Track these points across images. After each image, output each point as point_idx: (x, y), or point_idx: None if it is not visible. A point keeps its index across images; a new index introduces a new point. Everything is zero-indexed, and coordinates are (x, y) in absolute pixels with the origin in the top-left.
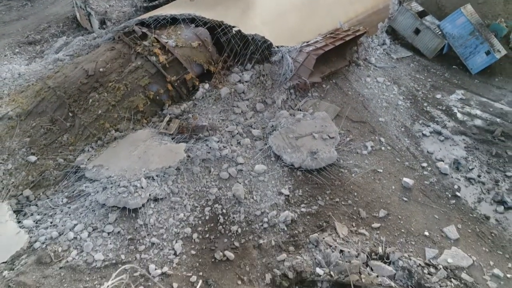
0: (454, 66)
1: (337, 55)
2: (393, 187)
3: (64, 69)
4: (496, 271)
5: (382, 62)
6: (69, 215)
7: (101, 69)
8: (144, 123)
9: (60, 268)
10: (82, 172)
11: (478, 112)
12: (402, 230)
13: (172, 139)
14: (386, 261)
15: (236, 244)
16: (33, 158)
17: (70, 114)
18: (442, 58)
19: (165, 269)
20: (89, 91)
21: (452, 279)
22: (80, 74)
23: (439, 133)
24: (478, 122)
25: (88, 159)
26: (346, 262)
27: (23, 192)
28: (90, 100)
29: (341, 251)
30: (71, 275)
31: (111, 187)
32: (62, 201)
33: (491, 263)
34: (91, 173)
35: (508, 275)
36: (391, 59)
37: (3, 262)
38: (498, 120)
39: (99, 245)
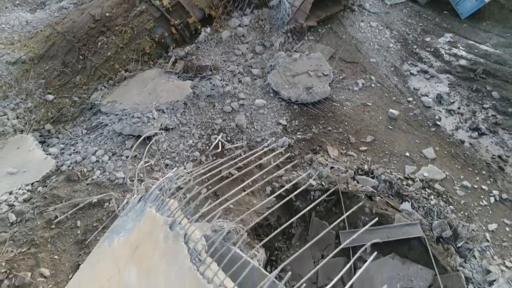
0: (445, 12)
1: (332, 0)
2: (380, 118)
3: (71, 15)
4: (465, 182)
5: (376, 8)
6: (90, 143)
7: (107, 14)
8: (151, 64)
9: (87, 184)
10: (97, 108)
11: (464, 53)
12: (386, 152)
13: (178, 77)
14: (371, 175)
15: (240, 164)
16: (50, 97)
17: (81, 57)
18: (434, 4)
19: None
20: (97, 35)
21: (427, 189)
22: (87, 19)
23: (426, 72)
24: (462, 62)
25: (102, 96)
26: (336, 175)
27: (45, 127)
28: (99, 43)
29: (332, 167)
30: (97, 189)
31: (126, 118)
32: (81, 133)
33: (462, 177)
34: (106, 108)
35: (475, 186)
36: (384, 5)
37: (36, 181)
38: (481, 60)
39: (119, 166)
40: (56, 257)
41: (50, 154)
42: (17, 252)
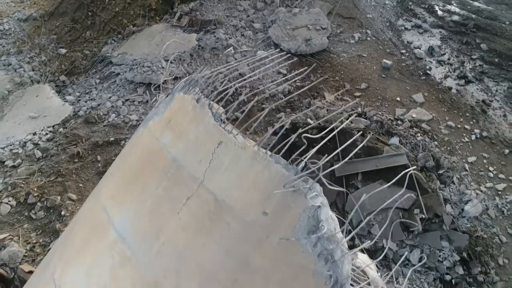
0: None
1: None
2: (374, 67)
3: None
4: (450, 123)
5: None
6: (103, 91)
7: None
8: (157, 20)
9: (104, 125)
10: (108, 60)
11: (457, 10)
12: (379, 97)
13: (184, 31)
14: (364, 117)
15: (243, 108)
16: (63, 51)
17: (90, 13)
18: None
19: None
20: None
21: (414, 128)
22: None
23: (419, 27)
24: (455, 17)
25: (112, 49)
26: (332, 115)
27: (60, 78)
28: (107, 0)
29: (328, 109)
30: (113, 130)
31: (137, 67)
32: (95, 82)
33: (447, 118)
34: (117, 59)
35: (459, 126)
36: None
37: (56, 124)
38: (473, 16)
39: (132, 110)
40: (81, 185)
41: (67, 101)
42: (46, 181)
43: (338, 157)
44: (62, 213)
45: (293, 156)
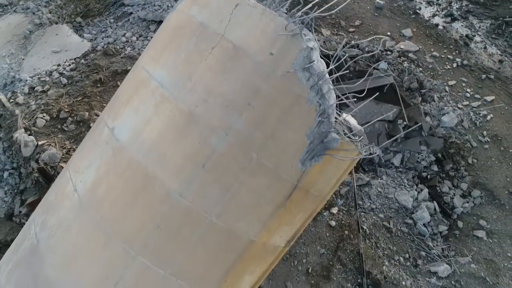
0: None
1: None
2: (368, 7)
3: None
4: (434, 53)
5: None
6: (118, 29)
7: None
8: None
9: (121, 57)
10: (120, 1)
11: None
12: (371, 32)
13: None
14: (356, 48)
15: None
16: None
17: None
18: None
19: None
20: None
21: (402, 57)
22: None
23: None
24: None
25: None
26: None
27: (76, 19)
28: None
29: (324, 41)
30: (130, 61)
31: (148, 6)
32: (110, 22)
33: (432, 49)
34: (129, 0)
35: (442, 56)
36: None
37: (77, 57)
38: None
39: (146, 44)
40: (104, 104)
41: (85, 38)
42: (74, 101)
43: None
44: (91, 125)
45: (292, 11)
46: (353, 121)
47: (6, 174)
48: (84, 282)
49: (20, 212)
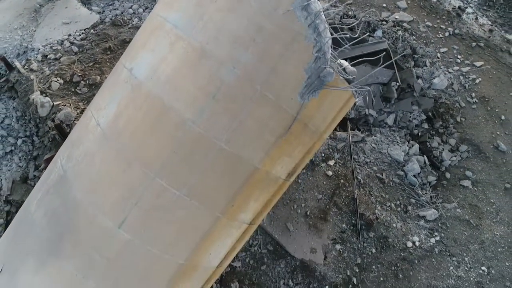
0: None
1: None
2: None
3: None
4: (428, 23)
5: None
6: (125, 1)
7: None
8: None
9: (129, 28)
10: None
11: None
12: (367, 4)
13: None
14: (353, 18)
15: None
16: None
17: None
18: None
19: None
20: None
21: (396, 27)
22: None
23: None
24: None
25: None
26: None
27: None
28: None
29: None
30: (136, 30)
31: None
32: None
33: (426, 20)
34: None
35: (435, 25)
36: None
37: (86, 28)
38: None
39: None
40: None
41: (93, 11)
42: (86, 66)
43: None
44: None
45: None
46: (346, 63)
47: (20, 141)
48: (108, 203)
49: (35, 176)
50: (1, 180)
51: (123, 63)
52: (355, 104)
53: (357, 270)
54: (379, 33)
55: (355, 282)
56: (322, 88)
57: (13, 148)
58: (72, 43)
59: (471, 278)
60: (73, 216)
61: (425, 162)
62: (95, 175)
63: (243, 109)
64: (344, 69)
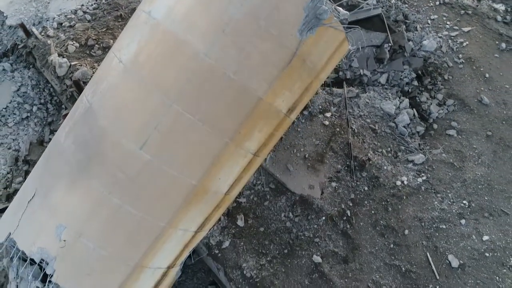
0: None
1: None
2: None
3: None
4: None
5: None
6: None
7: None
8: None
9: None
10: None
11: None
12: None
13: None
14: None
15: None
16: None
17: None
18: None
19: None
20: None
21: None
22: None
23: None
24: None
25: None
26: None
27: None
28: None
29: None
30: None
31: None
32: None
33: None
34: None
35: None
36: None
37: None
38: None
39: None
40: None
41: None
42: (99, 31)
43: None
44: None
45: None
46: (340, 8)
47: (35, 108)
48: (131, 127)
49: (50, 139)
50: (19, 142)
51: (142, 8)
52: (349, 52)
53: (350, 204)
54: (373, 0)
55: (349, 214)
56: (319, 25)
57: (28, 115)
58: (85, 12)
59: (453, 210)
60: (100, 140)
61: (414, 115)
62: (119, 104)
63: (249, 42)
64: (337, 10)
